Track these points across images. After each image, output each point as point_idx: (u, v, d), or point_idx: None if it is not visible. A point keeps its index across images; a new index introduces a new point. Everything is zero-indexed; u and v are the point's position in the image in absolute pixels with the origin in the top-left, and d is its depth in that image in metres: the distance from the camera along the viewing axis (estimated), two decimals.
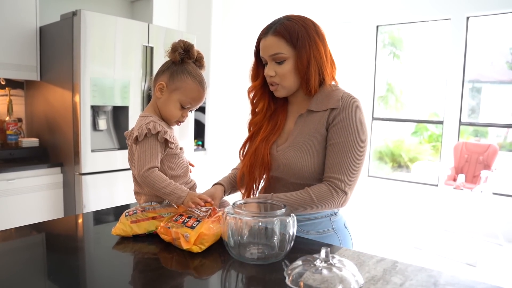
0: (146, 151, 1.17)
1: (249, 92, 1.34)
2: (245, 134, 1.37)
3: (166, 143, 1.20)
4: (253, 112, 1.37)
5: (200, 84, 1.24)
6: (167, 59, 1.25)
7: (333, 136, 1.17)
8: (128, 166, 1.29)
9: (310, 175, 1.19)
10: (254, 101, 1.34)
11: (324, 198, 1.14)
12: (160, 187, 1.15)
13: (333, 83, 1.26)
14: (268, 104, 1.32)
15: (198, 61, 1.26)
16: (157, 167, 1.17)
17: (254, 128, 1.34)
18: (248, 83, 1.34)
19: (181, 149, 1.31)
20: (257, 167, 1.27)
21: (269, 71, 1.21)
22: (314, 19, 1.26)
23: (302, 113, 1.25)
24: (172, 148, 1.23)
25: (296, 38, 1.17)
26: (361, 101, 1.21)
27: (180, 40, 1.23)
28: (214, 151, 3.86)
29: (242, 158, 1.35)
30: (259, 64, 1.30)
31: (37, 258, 1.05)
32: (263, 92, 1.31)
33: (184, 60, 1.23)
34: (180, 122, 1.29)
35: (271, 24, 1.22)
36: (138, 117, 1.27)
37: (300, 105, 1.28)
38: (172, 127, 1.30)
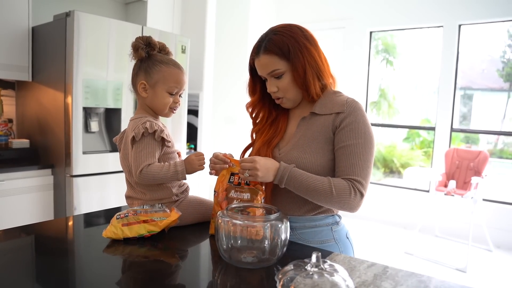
0: (143, 150, 1.16)
1: (247, 108, 1.36)
2: (239, 137, 1.37)
3: (162, 141, 1.20)
4: (254, 123, 1.38)
5: (175, 66, 1.25)
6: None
7: (342, 139, 1.16)
8: (120, 169, 1.28)
9: None
10: (254, 115, 1.36)
11: (343, 193, 1.12)
12: (161, 176, 1.15)
13: (337, 89, 1.27)
14: (269, 112, 1.33)
15: (163, 50, 1.28)
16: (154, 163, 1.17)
17: (257, 134, 1.35)
18: (240, 88, 1.34)
19: (178, 154, 1.30)
20: None
21: (271, 87, 1.23)
22: (304, 24, 1.27)
23: (305, 116, 1.24)
24: (169, 147, 1.23)
25: (287, 51, 1.17)
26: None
27: (136, 38, 1.24)
28: (206, 155, 3.83)
29: None
30: (255, 79, 1.30)
31: (26, 260, 1.04)
32: (262, 105, 1.33)
33: (149, 53, 1.24)
34: (174, 109, 1.29)
35: (259, 41, 1.22)
36: (129, 121, 1.26)
37: (303, 109, 1.28)
38: (167, 126, 1.30)
